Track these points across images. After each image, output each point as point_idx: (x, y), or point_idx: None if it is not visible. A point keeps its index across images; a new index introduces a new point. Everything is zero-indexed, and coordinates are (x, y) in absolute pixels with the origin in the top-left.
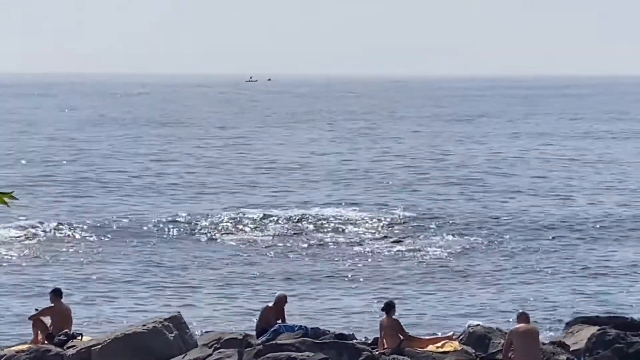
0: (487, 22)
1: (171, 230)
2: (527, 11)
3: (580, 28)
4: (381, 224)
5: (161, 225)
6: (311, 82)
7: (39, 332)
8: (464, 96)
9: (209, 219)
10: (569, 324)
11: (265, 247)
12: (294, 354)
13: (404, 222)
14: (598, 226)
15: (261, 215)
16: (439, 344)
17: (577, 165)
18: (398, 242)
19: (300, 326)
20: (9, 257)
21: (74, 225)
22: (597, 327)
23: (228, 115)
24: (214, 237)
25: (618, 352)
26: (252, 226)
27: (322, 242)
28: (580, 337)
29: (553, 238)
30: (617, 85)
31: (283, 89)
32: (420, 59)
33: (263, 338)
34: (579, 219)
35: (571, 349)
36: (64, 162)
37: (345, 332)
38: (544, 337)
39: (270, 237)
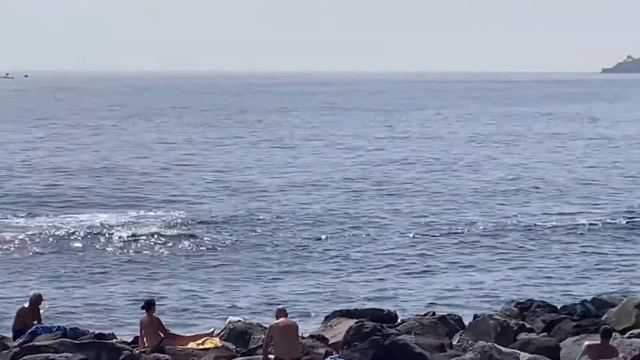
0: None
1: None
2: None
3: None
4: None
5: None
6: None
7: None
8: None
9: None
10: (327, 318)
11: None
12: (52, 356)
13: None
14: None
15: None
16: (200, 341)
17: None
18: (173, 238)
19: (59, 327)
20: None
21: None
22: (355, 320)
23: None
24: None
25: (375, 343)
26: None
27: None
28: (339, 330)
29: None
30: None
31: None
32: None
33: (20, 340)
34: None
35: (330, 342)
36: None
37: (105, 332)
38: (303, 331)
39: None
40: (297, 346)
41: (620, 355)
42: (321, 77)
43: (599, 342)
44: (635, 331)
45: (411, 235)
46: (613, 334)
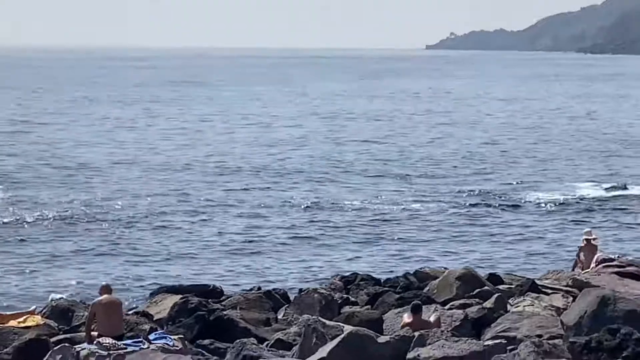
0: None
1: None
2: None
3: None
4: None
5: None
6: None
7: None
8: None
9: None
10: (152, 294)
11: None
12: None
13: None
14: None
15: None
16: (21, 319)
17: None
18: None
19: None
20: None
21: None
22: (180, 296)
23: None
24: None
25: (200, 319)
26: None
27: None
28: (164, 307)
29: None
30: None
31: None
32: None
33: None
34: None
35: (154, 318)
36: None
37: None
38: (128, 307)
39: None
40: (120, 323)
41: (443, 326)
42: None
43: (410, 319)
44: (456, 302)
45: (238, 213)
46: (430, 307)
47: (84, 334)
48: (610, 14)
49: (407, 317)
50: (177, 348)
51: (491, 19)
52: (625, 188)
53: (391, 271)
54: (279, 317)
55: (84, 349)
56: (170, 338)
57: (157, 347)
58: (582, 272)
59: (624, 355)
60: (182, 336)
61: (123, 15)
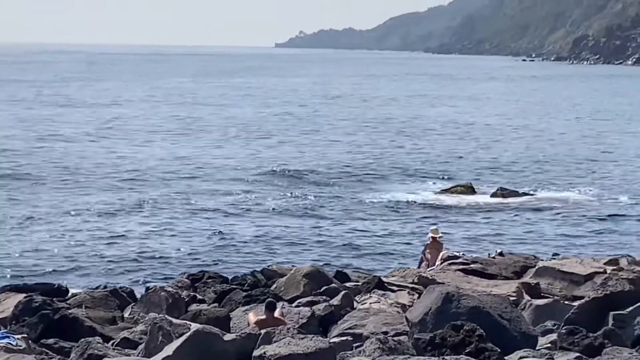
0: None
1: None
2: None
3: None
4: None
5: None
6: None
7: None
8: None
9: None
10: None
11: None
12: None
13: None
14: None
15: None
16: None
17: None
18: None
19: None
20: None
21: None
22: (24, 295)
23: None
24: None
25: (44, 318)
26: None
27: None
28: (7, 306)
29: None
30: None
31: None
32: None
33: None
34: None
35: None
36: None
37: None
38: None
39: None
40: None
41: (290, 323)
42: None
43: (264, 316)
44: (303, 300)
45: (82, 212)
46: (278, 305)
47: None
48: (457, 15)
49: (260, 315)
50: (21, 347)
51: (341, 19)
52: (472, 189)
53: (239, 269)
54: (126, 315)
55: None
56: (13, 337)
57: (0, 346)
58: (428, 269)
59: (467, 351)
60: (25, 335)
61: None
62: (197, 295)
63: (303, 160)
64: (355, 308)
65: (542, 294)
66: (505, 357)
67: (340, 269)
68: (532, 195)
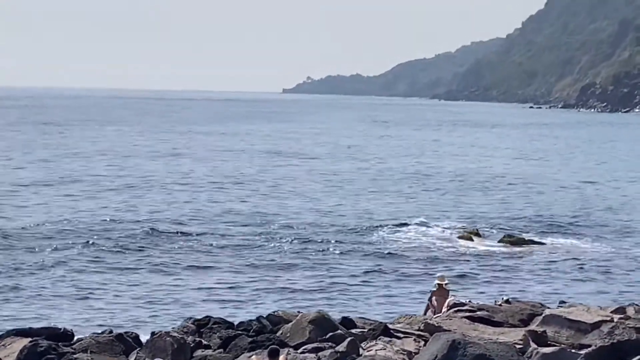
0: None
1: None
2: None
3: None
4: None
5: None
6: None
7: None
8: None
9: None
10: (1, 337)
11: None
12: None
13: None
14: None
15: None
16: None
17: None
18: None
19: None
20: None
21: None
22: (29, 339)
23: None
24: None
25: None
26: None
27: None
28: (13, 350)
29: None
30: None
31: None
32: None
33: None
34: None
35: None
36: None
37: None
38: None
39: None
40: None
41: None
42: None
43: None
44: (309, 346)
45: (83, 254)
46: (283, 351)
47: None
48: (464, 62)
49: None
50: None
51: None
52: (478, 234)
53: (245, 314)
54: None
55: None
56: None
57: None
58: (434, 316)
59: None
60: None
61: None
62: (203, 340)
63: (310, 208)
64: (361, 355)
65: (548, 342)
66: None
67: (346, 316)
68: (538, 242)
